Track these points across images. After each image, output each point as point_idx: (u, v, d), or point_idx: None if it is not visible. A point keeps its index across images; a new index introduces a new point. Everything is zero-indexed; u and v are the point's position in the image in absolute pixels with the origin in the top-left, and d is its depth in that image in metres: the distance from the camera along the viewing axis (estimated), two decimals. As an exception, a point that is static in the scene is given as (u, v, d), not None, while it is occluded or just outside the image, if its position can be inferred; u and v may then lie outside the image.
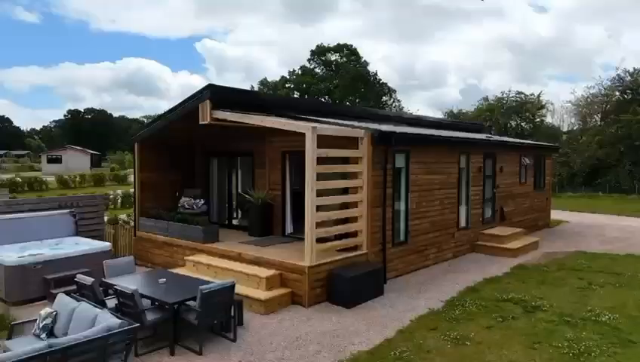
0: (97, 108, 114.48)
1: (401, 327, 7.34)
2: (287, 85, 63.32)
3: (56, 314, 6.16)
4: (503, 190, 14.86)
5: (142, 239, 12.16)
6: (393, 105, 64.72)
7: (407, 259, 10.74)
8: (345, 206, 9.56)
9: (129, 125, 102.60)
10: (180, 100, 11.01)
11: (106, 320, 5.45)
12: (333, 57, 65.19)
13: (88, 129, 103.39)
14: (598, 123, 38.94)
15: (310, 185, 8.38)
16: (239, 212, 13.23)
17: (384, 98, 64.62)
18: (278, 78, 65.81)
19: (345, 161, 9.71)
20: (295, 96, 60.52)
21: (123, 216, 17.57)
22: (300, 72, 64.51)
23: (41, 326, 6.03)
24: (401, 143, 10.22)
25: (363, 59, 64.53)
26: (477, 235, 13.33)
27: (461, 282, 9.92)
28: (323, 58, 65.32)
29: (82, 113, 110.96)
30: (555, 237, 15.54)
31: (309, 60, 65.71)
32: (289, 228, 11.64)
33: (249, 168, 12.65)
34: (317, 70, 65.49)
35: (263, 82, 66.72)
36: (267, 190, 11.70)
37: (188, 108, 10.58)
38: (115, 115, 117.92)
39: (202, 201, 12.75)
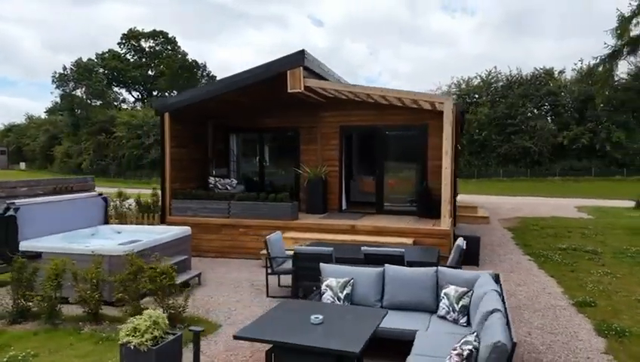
0: None
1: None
2: (95, 69, 56.58)
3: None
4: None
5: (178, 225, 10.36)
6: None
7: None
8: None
9: None
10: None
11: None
12: (147, 44, 62.43)
13: None
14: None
15: (449, 155, 8.93)
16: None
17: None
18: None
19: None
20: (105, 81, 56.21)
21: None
22: (107, 56, 58.93)
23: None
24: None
25: (182, 49, 62.76)
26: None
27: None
28: (135, 43, 61.63)
29: None
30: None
31: (119, 44, 61.55)
32: (344, 204, 11.61)
33: (287, 144, 12.02)
34: (128, 56, 61.65)
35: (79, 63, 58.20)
36: (320, 166, 11.41)
37: (265, 75, 9.67)
38: None
39: (235, 180, 11.61)
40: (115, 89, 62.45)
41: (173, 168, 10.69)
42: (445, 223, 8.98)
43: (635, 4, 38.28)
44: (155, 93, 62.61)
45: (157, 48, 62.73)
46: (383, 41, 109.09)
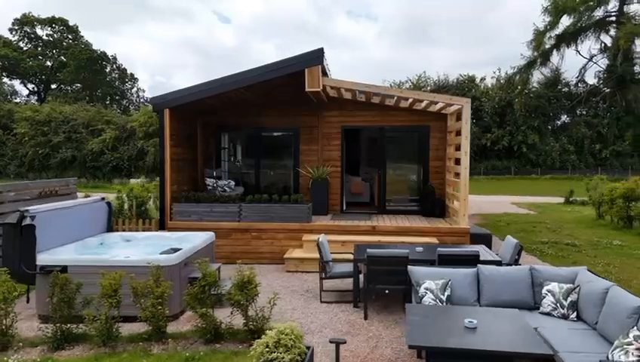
0: None
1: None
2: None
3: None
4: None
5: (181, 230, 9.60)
6: (137, 93, 61.94)
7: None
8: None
9: None
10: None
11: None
12: (44, 32, 57.67)
13: None
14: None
15: (466, 154, 9.24)
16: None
17: (127, 85, 60.94)
18: None
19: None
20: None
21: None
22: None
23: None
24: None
25: (85, 39, 58.75)
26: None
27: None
28: (29, 30, 56.89)
29: None
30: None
31: (10, 31, 55.86)
32: (344, 205, 11.52)
33: (285, 144, 11.65)
34: (21, 44, 56.52)
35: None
36: (321, 166, 11.22)
37: (281, 72, 9.32)
38: None
39: (232, 182, 11.05)
40: (5, 80, 56.12)
41: (173, 169, 9.90)
42: (464, 222, 9.28)
43: (548, 19, 42.25)
44: (54, 87, 57.66)
45: (56, 37, 57.50)
46: (293, 41, 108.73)
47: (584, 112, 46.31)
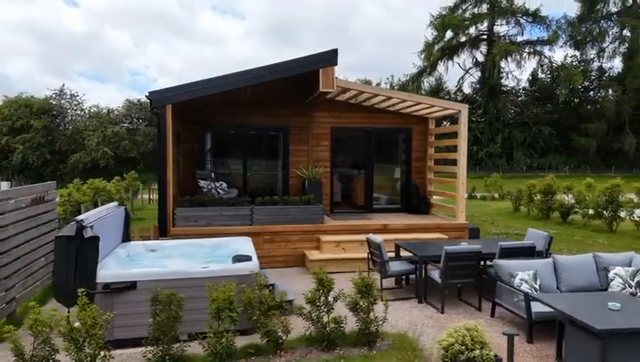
0: None
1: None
2: None
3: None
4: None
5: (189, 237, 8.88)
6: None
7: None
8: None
9: None
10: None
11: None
12: None
13: None
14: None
15: (464, 155, 10.08)
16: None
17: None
18: None
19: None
20: None
21: None
22: None
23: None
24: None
25: None
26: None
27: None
28: None
29: None
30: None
31: None
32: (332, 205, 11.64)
33: (274, 144, 11.35)
34: None
35: None
36: (313, 167, 11.20)
37: (294, 72, 9.19)
38: None
39: (225, 183, 10.52)
40: None
41: (174, 171, 9.08)
42: (462, 218, 10.10)
43: (436, 33, 46.48)
44: None
45: None
46: (152, 33, 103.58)
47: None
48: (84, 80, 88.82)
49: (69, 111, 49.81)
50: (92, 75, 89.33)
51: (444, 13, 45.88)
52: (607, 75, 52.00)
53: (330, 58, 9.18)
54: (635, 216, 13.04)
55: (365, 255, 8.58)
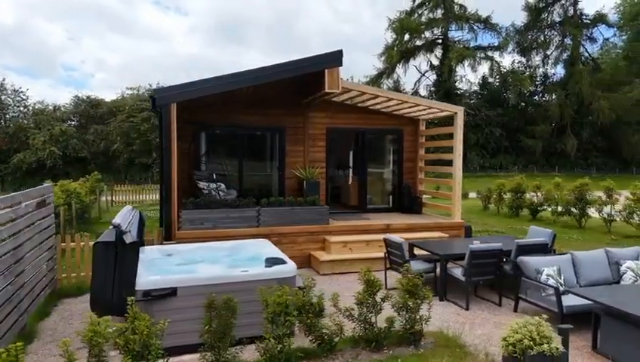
0: None
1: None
2: None
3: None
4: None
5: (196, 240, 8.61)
6: None
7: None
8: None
9: None
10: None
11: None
12: None
13: None
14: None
15: (460, 156, 10.41)
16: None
17: None
18: None
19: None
20: None
21: None
22: None
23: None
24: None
25: None
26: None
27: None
28: None
29: None
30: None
31: None
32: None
33: (269, 144, 11.20)
34: None
35: None
36: (309, 167, 11.17)
37: (299, 72, 9.16)
38: None
39: (223, 185, 10.29)
40: None
41: (179, 172, 8.76)
42: (458, 216, 10.44)
43: (395, 36, 47.55)
44: None
45: None
46: (88, 27, 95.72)
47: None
48: (12, 74, 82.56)
49: (9, 107, 46.62)
50: (22, 70, 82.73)
51: (402, 17, 47.17)
52: (550, 80, 55.35)
53: (335, 59, 9.20)
54: (603, 213, 13.96)
55: (373, 255, 8.72)
